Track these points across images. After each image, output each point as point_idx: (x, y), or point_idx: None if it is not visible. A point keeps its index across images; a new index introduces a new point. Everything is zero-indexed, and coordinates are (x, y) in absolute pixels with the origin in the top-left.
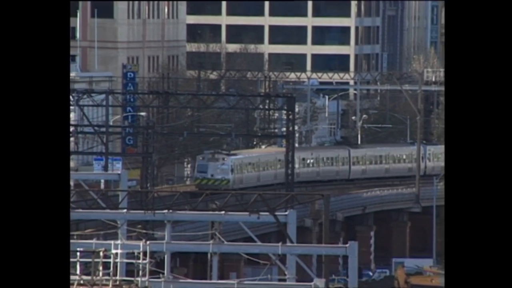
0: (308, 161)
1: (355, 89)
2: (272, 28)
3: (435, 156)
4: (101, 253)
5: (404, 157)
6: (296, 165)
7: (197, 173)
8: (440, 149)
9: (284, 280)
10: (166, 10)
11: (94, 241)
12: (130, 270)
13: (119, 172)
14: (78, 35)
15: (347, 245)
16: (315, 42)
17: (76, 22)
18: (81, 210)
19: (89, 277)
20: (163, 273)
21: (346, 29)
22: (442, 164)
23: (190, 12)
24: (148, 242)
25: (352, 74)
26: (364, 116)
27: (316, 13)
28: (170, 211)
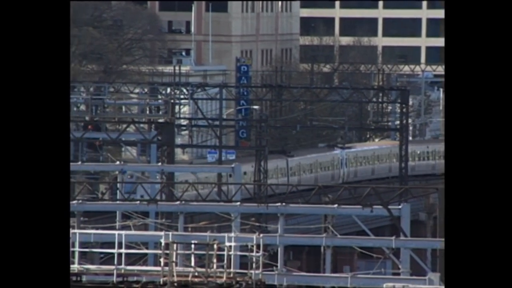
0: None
1: None
2: (386, 20)
3: None
4: (215, 246)
5: None
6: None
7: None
8: None
9: (398, 274)
10: (279, 3)
11: (208, 233)
12: (244, 263)
13: (232, 165)
14: (192, 29)
15: None
16: (429, 34)
17: (191, 16)
18: (195, 203)
19: (203, 269)
20: (276, 266)
21: None
22: None
23: (304, 5)
24: (261, 235)
25: None
26: None
27: (431, 5)
28: (283, 204)
